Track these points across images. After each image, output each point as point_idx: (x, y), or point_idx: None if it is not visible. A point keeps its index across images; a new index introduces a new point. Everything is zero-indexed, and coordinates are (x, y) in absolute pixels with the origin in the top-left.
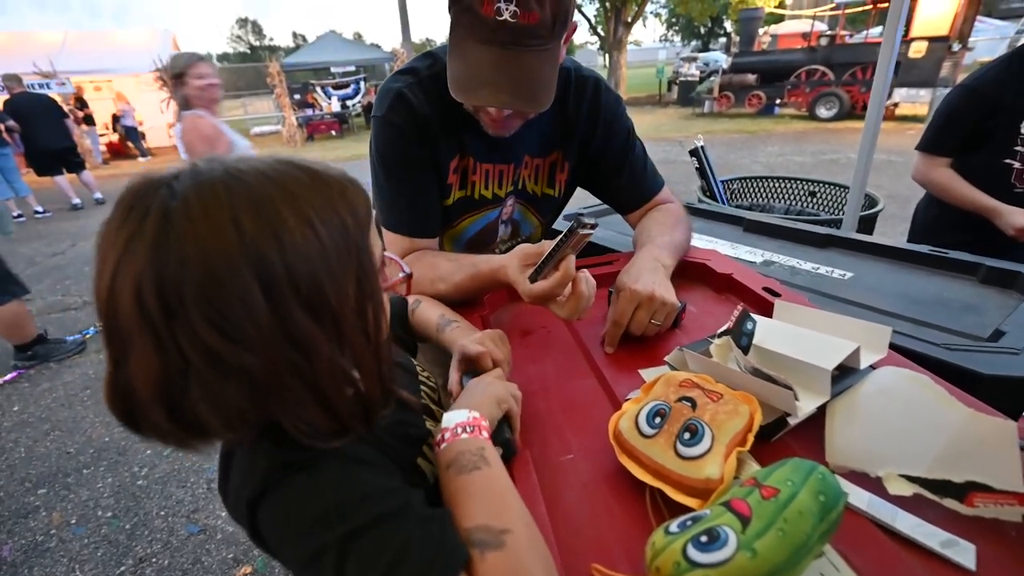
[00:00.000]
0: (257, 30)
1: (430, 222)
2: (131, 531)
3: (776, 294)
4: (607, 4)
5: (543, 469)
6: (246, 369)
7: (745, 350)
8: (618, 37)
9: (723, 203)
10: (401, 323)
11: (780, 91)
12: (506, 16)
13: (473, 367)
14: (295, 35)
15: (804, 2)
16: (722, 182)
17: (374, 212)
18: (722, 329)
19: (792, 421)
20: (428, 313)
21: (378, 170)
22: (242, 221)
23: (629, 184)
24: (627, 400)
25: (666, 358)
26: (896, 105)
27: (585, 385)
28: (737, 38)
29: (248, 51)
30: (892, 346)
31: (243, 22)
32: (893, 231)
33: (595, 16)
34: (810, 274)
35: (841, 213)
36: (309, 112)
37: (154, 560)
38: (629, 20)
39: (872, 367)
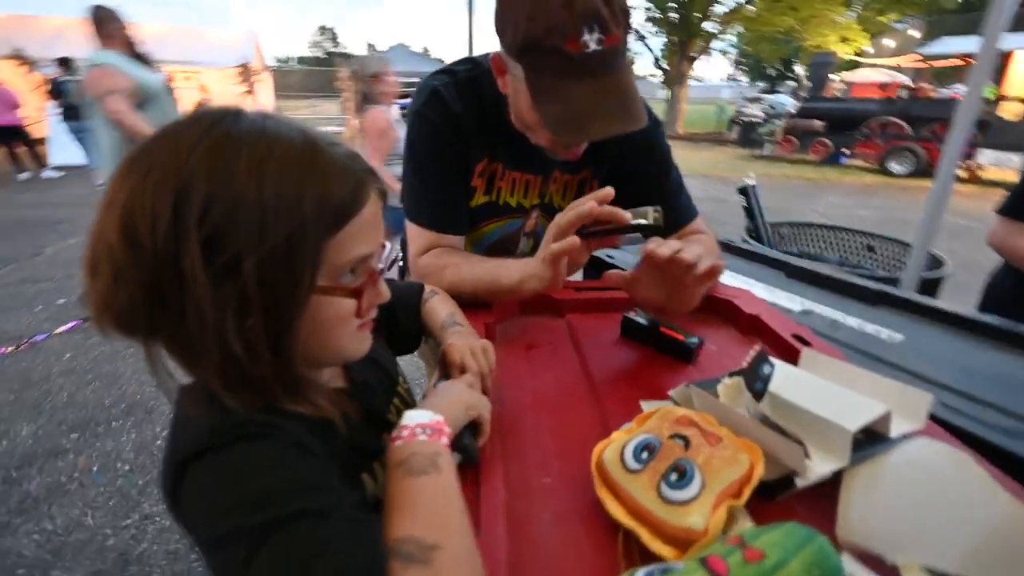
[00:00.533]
0: (334, 38)
1: (457, 219)
2: (142, 487)
3: (806, 343)
4: (674, 38)
5: (515, 489)
6: (131, 275)
7: (758, 396)
8: (681, 72)
9: (769, 247)
10: (413, 312)
11: (849, 141)
12: (593, 46)
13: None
14: (368, 45)
15: (885, 51)
16: (770, 225)
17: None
18: (735, 370)
19: (800, 483)
20: (438, 308)
21: (409, 163)
22: (199, 148)
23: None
24: (619, 430)
25: (670, 392)
26: (980, 167)
27: (580, 409)
28: (808, 83)
29: (325, 56)
30: (934, 418)
31: (323, 29)
32: (961, 301)
33: (661, 50)
34: (854, 331)
35: (902, 273)
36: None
37: (157, 519)
38: (694, 55)
39: (905, 437)
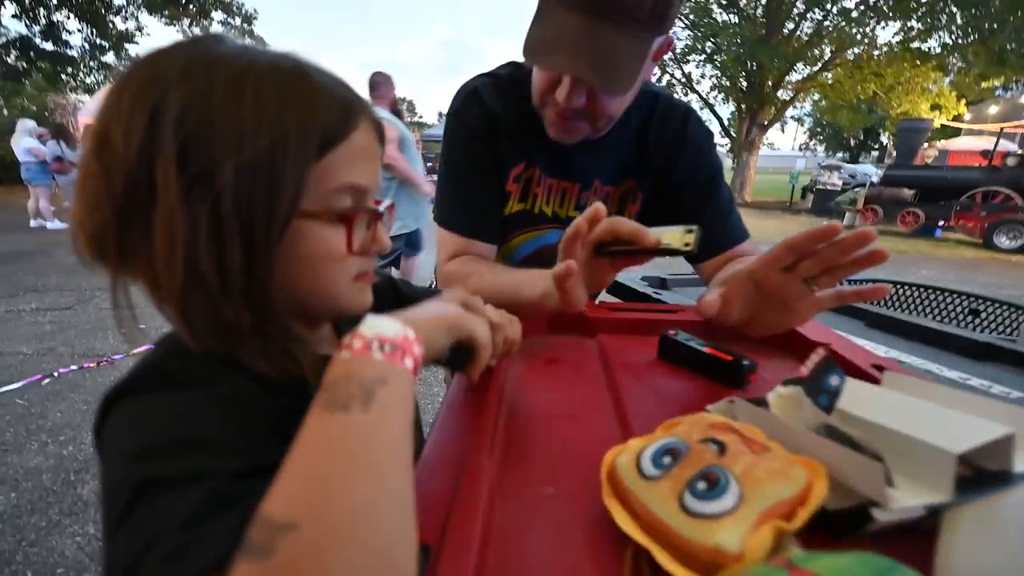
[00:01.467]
0: (411, 108)
1: (489, 225)
2: None
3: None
4: (743, 106)
5: (510, 498)
6: (104, 189)
7: (825, 411)
8: (750, 139)
9: None
10: None
11: (946, 212)
12: None
13: None
14: (440, 115)
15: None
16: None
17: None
18: (791, 377)
19: (880, 516)
20: None
21: (442, 167)
22: (176, 64)
23: (709, 228)
24: (639, 439)
25: (709, 407)
26: None
27: (599, 423)
28: (894, 151)
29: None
30: None
31: (402, 100)
32: None
33: (729, 118)
34: (956, 384)
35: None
36: (434, 177)
37: None
38: (765, 123)
39: None
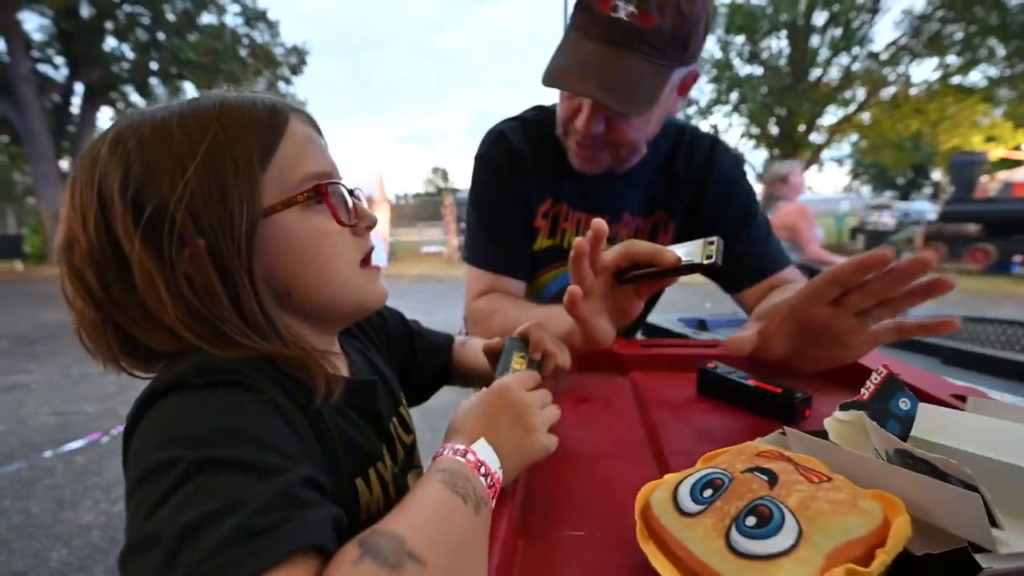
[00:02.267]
0: (445, 176)
1: (516, 261)
2: None
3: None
4: (776, 151)
5: (535, 540)
6: (79, 286)
7: (901, 437)
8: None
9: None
10: (434, 350)
11: (1019, 246)
12: (621, 14)
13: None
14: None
15: None
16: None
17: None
18: (850, 401)
19: (990, 564)
20: (480, 344)
21: (470, 208)
22: (105, 143)
23: (745, 254)
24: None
25: (757, 439)
26: None
27: (633, 462)
28: (950, 187)
29: (436, 192)
30: None
31: (436, 169)
32: None
33: (763, 165)
34: None
35: None
36: None
37: None
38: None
39: None
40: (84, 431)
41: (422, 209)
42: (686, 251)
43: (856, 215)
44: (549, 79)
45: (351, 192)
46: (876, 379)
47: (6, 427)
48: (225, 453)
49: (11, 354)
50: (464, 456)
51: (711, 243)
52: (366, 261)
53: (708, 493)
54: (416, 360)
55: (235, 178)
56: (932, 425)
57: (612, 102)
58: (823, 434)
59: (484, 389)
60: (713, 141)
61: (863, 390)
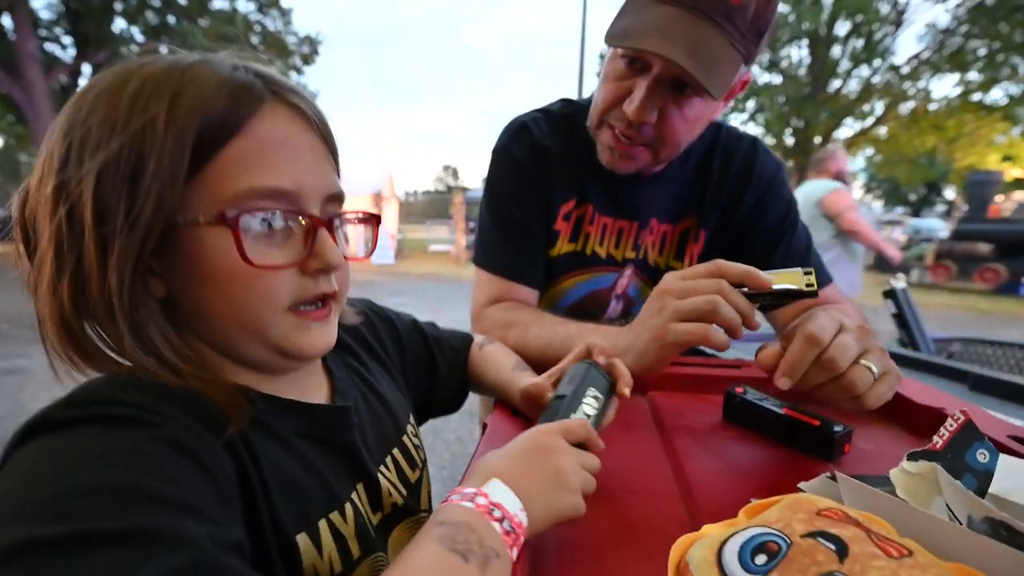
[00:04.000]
0: (455, 174)
1: (532, 268)
2: None
3: None
4: (790, 162)
5: None
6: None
7: (977, 494)
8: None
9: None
10: (453, 355)
11: None
12: None
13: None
14: (483, 180)
15: None
16: (935, 340)
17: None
18: (919, 450)
19: None
20: (499, 355)
21: (484, 205)
22: (90, 82)
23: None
24: (716, 525)
25: (802, 484)
26: None
27: (662, 502)
28: (964, 205)
29: (446, 190)
30: None
31: (447, 167)
32: None
33: None
34: None
35: None
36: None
37: None
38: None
39: None
40: None
41: (431, 207)
42: (782, 277)
43: None
44: (621, 39)
45: (318, 222)
46: (952, 426)
47: (3, 411)
48: (91, 525)
49: (12, 337)
50: (472, 500)
51: (809, 273)
52: (302, 305)
53: (762, 560)
54: (438, 369)
55: (154, 169)
56: (1014, 482)
57: (699, 75)
58: (879, 481)
59: (523, 433)
60: (753, 141)
61: (936, 437)
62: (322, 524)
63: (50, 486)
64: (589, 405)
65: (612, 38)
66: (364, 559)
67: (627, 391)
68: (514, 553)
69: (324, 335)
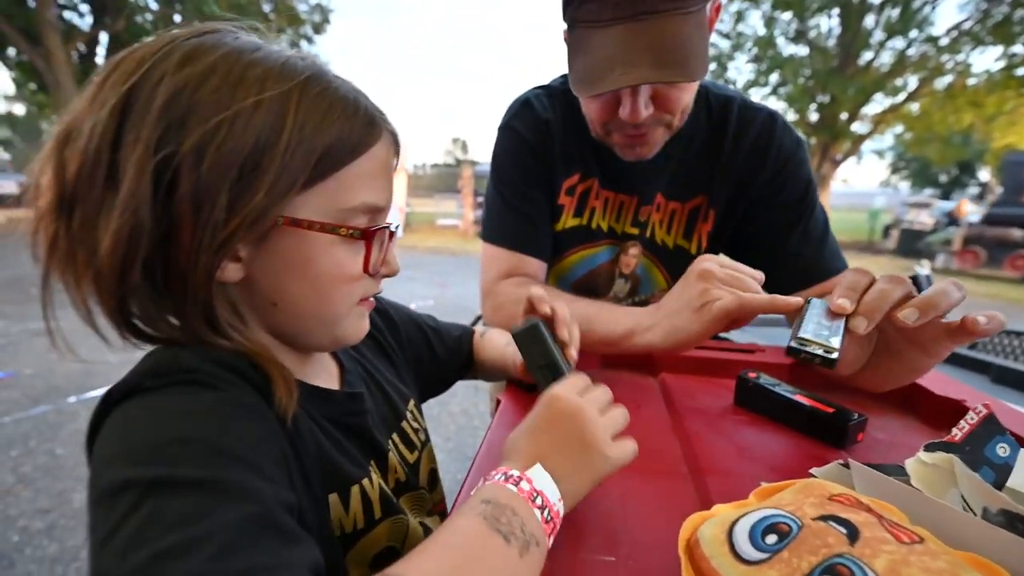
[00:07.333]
0: (464, 148)
1: (539, 240)
2: None
3: None
4: (813, 140)
5: (559, 566)
6: (55, 176)
7: (995, 487)
8: (822, 174)
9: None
10: (453, 342)
11: None
12: None
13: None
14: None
15: None
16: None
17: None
18: (936, 441)
19: None
20: (498, 335)
21: (490, 182)
22: (186, 50)
23: (798, 254)
24: (726, 505)
25: (814, 470)
26: None
27: (672, 482)
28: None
29: (454, 163)
30: None
31: (456, 140)
32: None
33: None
34: None
35: None
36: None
37: None
38: (838, 158)
39: None
40: (106, 380)
41: (440, 180)
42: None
43: (891, 211)
44: (587, 86)
45: (391, 234)
46: (973, 419)
47: (33, 371)
48: (178, 472)
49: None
50: (517, 484)
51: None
52: (365, 298)
53: (772, 540)
54: (437, 358)
55: (277, 171)
56: None
57: (675, 76)
58: (894, 470)
59: (539, 405)
60: (771, 115)
61: (955, 430)
62: (354, 489)
63: (144, 437)
64: (564, 362)
65: (579, 86)
66: (385, 519)
67: (574, 352)
68: (550, 542)
69: (367, 322)
